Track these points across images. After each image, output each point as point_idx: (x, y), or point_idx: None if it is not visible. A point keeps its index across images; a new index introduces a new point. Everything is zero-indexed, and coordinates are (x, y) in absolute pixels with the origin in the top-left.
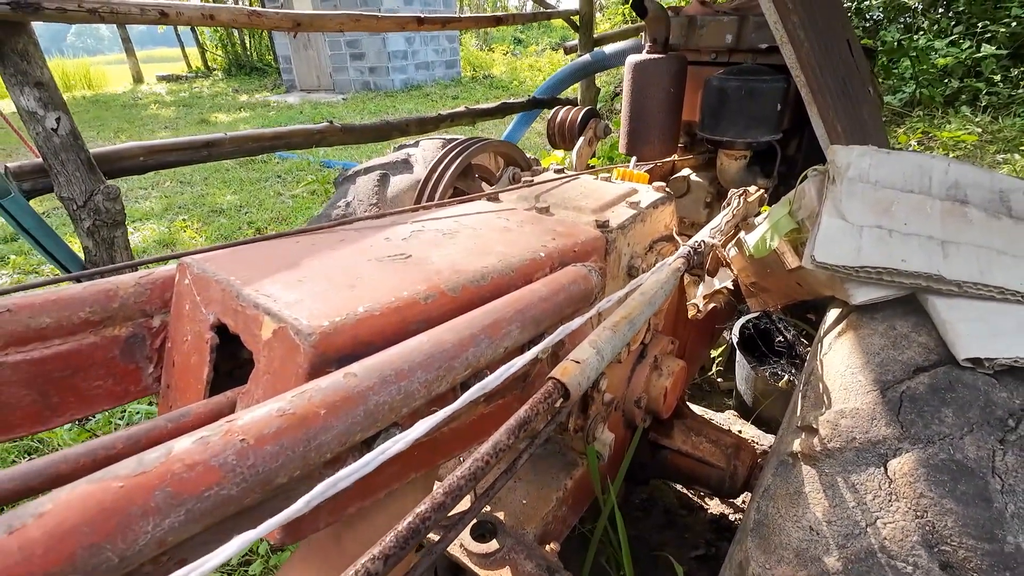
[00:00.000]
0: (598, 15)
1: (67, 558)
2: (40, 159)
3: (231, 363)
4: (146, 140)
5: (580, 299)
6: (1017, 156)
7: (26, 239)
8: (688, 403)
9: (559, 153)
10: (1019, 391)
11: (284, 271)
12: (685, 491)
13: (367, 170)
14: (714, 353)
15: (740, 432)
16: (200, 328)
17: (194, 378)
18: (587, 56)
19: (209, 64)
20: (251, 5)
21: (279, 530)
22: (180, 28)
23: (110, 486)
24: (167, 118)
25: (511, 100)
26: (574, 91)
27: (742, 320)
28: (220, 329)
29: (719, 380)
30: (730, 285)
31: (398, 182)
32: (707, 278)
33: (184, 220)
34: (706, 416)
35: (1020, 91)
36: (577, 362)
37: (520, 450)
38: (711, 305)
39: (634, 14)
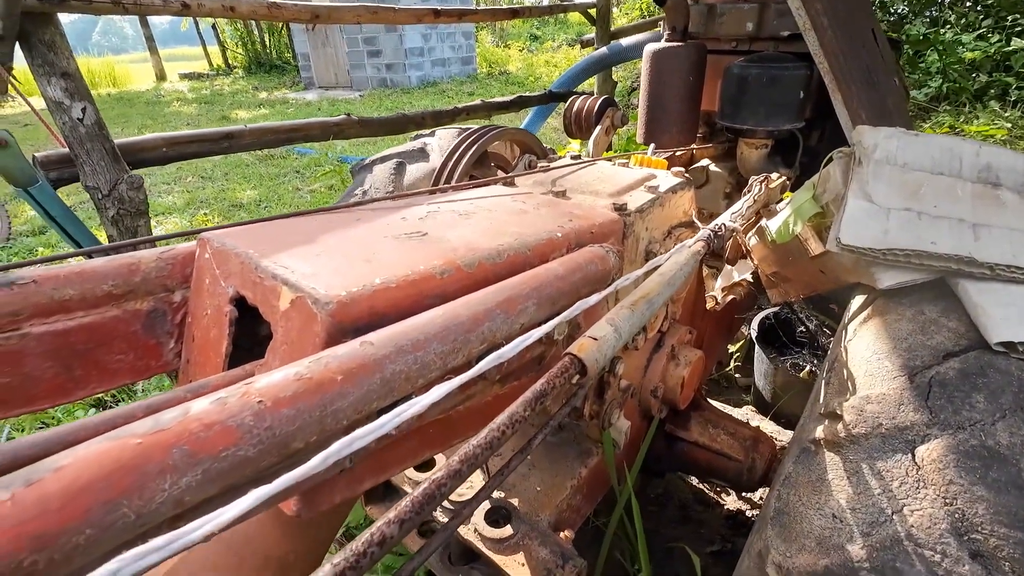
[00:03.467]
0: (615, 10)
1: (83, 513)
2: (66, 149)
3: (251, 340)
4: None
5: (597, 280)
6: None
7: (52, 226)
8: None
9: (575, 145)
10: None
11: (302, 246)
12: (701, 486)
13: (383, 159)
14: (732, 348)
15: (758, 427)
16: (219, 301)
17: (213, 352)
18: (604, 49)
19: (230, 62)
20: None
21: (295, 500)
22: (201, 26)
23: (128, 443)
24: (189, 115)
25: (527, 94)
26: (591, 84)
27: (761, 315)
28: (239, 303)
29: (737, 376)
30: (749, 277)
31: (414, 170)
32: (726, 269)
33: (205, 214)
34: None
35: None
36: (594, 338)
37: (535, 431)
38: (730, 297)
39: (652, 7)
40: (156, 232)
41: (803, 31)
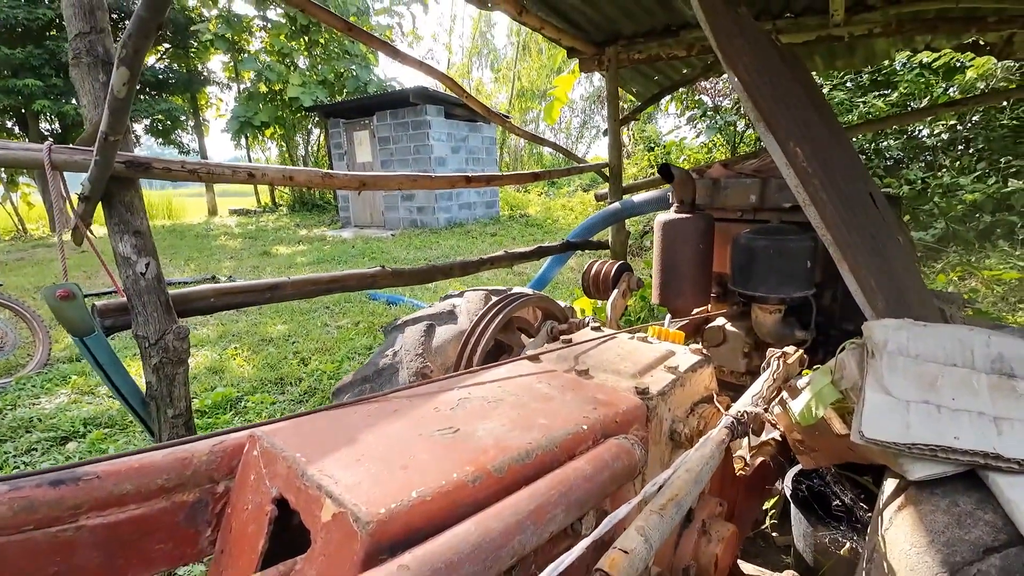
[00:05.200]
0: (626, 160)
1: None
2: (124, 298)
3: (278, 526)
4: (213, 270)
5: (624, 475)
6: None
7: (99, 374)
8: (742, 563)
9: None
10: None
11: (343, 447)
12: None
13: (415, 320)
14: (767, 505)
15: None
16: (262, 500)
17: (249, 547)
18: (617, 204)
19: (276, 200)
20: (319, 149)
21: None
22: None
23: None
24: (233, 249)
25: (546, 243)
26: (605, 235)
27: (793, 471)
28: (280, 502)
29: (774, 535)
30: (777, 436)
31: (443, 332)
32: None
33: (235, 348)
34: None
35: None
36: (625, 552)
37: None
38: (759, 459)
39: (658, 158)
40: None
41: (804, 206)
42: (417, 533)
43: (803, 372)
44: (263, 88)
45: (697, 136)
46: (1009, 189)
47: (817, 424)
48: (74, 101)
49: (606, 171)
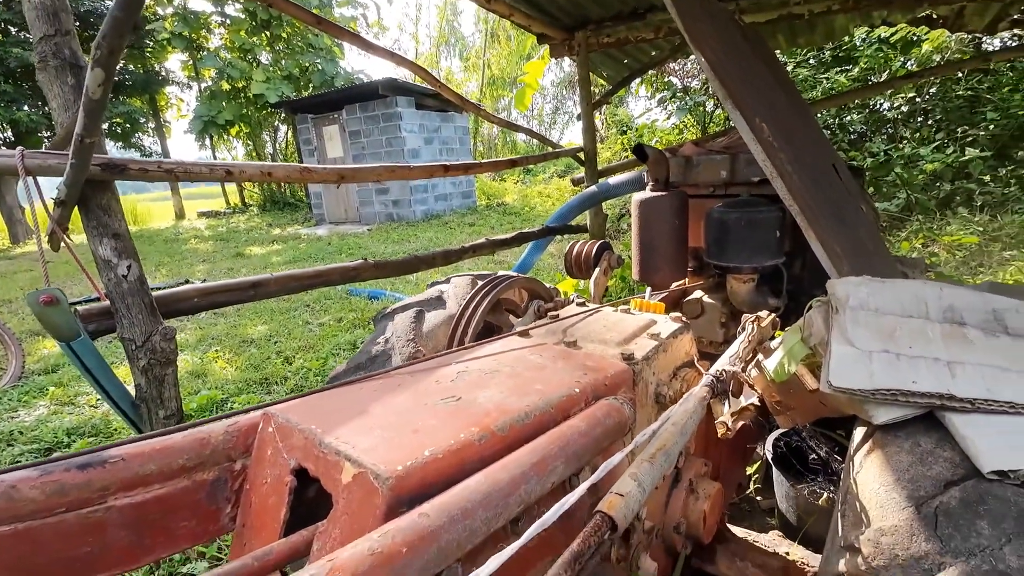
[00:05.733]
0: (599, 144)
1: None
2: (107, 302)
3: (296, 499)
4: (185, 273)
5: (616, 431)
6: (1021, 252)
7: (87, 378)
8: (730, 525)
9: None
10: None
11: (356, 418)
12: None
13: (404, 308)
14: (750, 470)
15: (787, 554)
16: (280, 472)
17: (271, 518)
18: (593, 187)
19: (246, 200)
20: (288, 146)
21: None
22: None
23: None
24: (205, 252)
25: (525, 230)
26: (583, 219)
27: (774, 435)
28: (298, 473)
29: (758, 499)
30: (756, 401)
31: (432, 318)
32: (732, 396)
33: (216, 351)
34: (749, 538)
35: (1012, 189)
36: (621, 495)
37: None
38: (740, 422)
39: (631, 141)
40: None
41: (771, 178)
42: (432, 487)
43: (776, 334)
44: (226, 86)
45: (668, 118)
46: (966, 157)
47: (791, 382)
48: (26, 108)
49: (581, 155)
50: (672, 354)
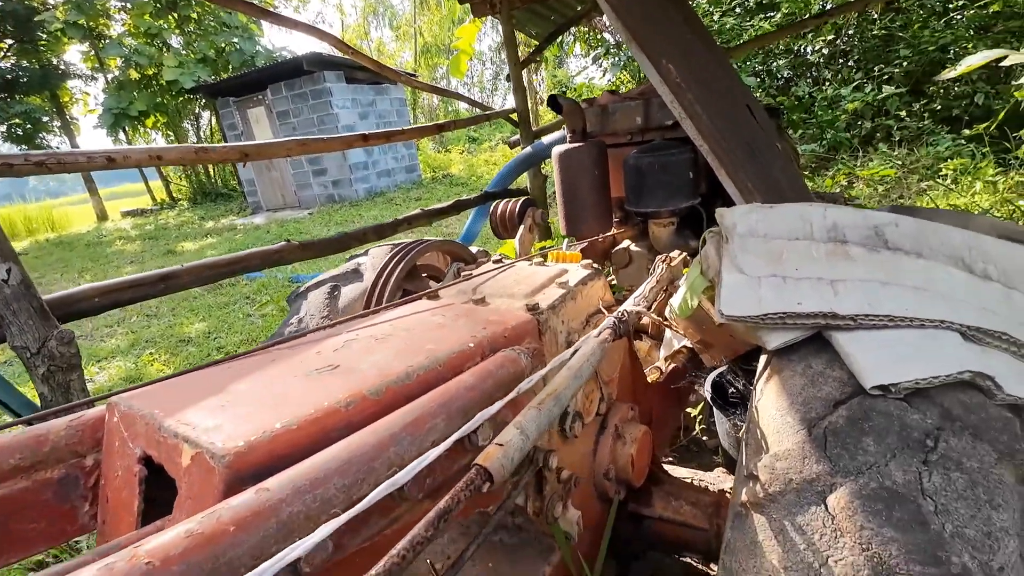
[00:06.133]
0: (541, 107)
1: None
2: None
3: (169, 493)
4: (112, 276)
5: (510, 382)
6: (937, 182)
7: None
8: (669, 466)
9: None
10: (930, 411)
11: (210, 398)
12: (690, 559)
13: (318, 284)
14: (694, 412)
15: (728, 490)
16: (128, 462)
17: (126, 511)
18: (529, 148)
19: (174, 195)
20: (212, 132)
21: None
22: None
23: None
24: (133, 253)
25: (465, 197)
26: (523, 181)
27: (713, 375)
28: (149, 462)
29: (704, 439)
30: (689, 344)
31: (349, 292)
32: (667, 339)
33: (151, 354)
34: (693, 478)
35: (926, 123)
36: (500, 444)
37: (471, 541)
38: (672, 365)
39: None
40: (98, 378)
41: (680, 120)
42: (283, 460)
43: (684, 272)
44: (135, 75)
45: (604, 75)
46: (884, 95)
47: (703, 318)
48: None
49: (514, 116)
50: (583, 302)
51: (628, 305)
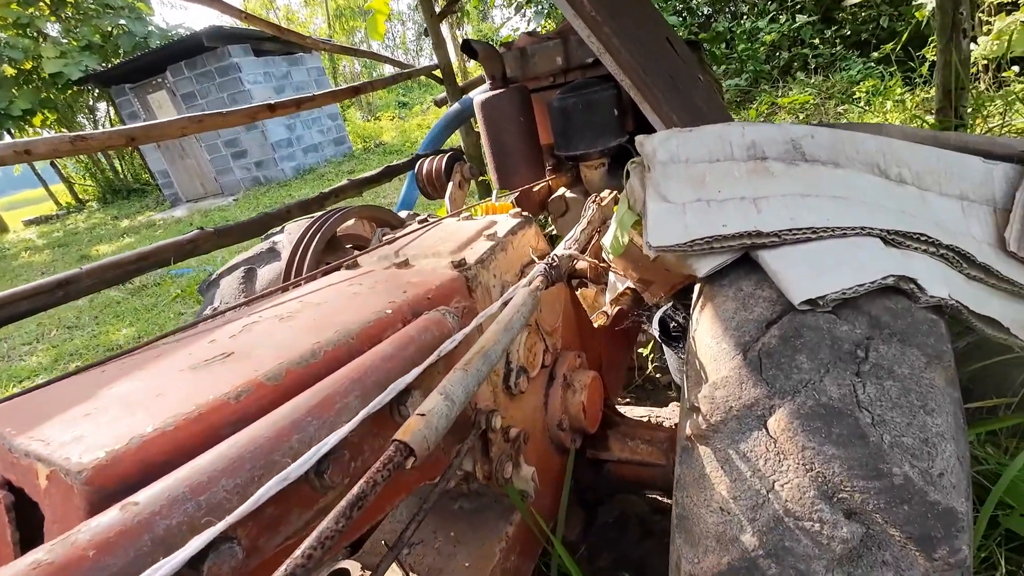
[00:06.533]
0: (470, 64)
1: None
2: None
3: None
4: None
5: (434, 345)
6: (852, 104)
7: None
8: (626, 407)
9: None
10: (858, 321)
11: (73, 407)
12: (654, 495)
13: (230, 269)
14: (646, 351)
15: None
16: None
17: (2, 543)
18: (457, 105)
19: (80, 197)
20: (112, 124)
21: None
22: (39, 165)
23: None
24: (43, 263)
25: (393, 163)
26: (456, 140)
27: (660, 312)
28: (12, 487)
29: (658, 376)
30: (633, 285)
31: (265, 273)
32: (611, 283)
33: (78, 367)
34: (650, 416)
35: (838, 49)
36: (422, 415)
37: (420, 508)
38: (618, 308)
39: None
40: None
41: (599, 55)
42: (160, 468)
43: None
44: (10, 71)
45: (528, 24)
46: (798, 24)
47: (638, 255)
48: None
49: (438, 73)
50: (515, 252)
51: (559, 250)
